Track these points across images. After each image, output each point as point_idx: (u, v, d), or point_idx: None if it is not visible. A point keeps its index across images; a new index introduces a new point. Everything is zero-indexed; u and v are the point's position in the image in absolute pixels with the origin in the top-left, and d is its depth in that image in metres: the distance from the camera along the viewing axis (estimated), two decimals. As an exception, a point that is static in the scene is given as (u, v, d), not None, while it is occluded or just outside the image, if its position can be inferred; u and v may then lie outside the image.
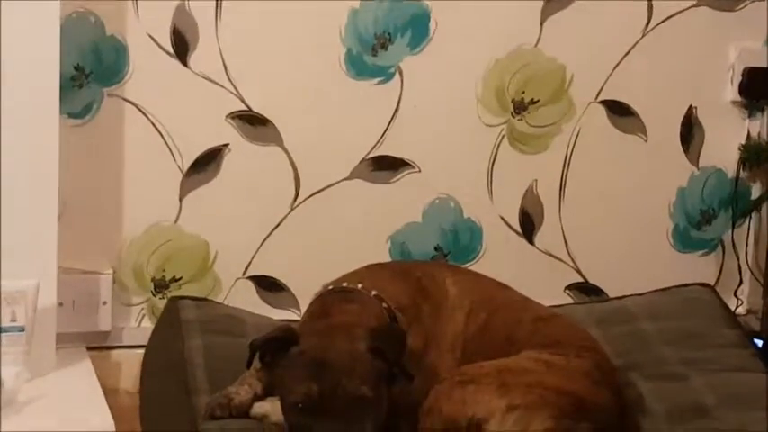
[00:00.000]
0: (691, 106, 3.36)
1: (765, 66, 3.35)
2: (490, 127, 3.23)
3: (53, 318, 2.78)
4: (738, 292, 3.45)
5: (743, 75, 3.33)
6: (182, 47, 3.00)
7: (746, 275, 3.46)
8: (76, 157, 2.91)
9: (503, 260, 3.25)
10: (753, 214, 3.43)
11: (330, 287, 2.67)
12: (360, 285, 2.63)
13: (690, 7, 3.29)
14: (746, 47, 3.34)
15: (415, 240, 3.23)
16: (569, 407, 2.39)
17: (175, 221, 3.08)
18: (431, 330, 2.65)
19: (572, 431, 2.37)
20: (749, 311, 3.44)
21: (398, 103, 3.15)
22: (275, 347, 2.47)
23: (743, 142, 3.37)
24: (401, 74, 3.15)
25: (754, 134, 3.38)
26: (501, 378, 2.43)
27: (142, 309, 3.11)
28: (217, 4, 3.01)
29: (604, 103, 3.29)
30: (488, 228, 3.28)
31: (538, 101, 3.25)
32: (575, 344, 2.61)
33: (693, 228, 3.42)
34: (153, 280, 3.10)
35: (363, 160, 3.17)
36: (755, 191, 3.43)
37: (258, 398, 2.57)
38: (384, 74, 3.14)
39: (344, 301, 2.58)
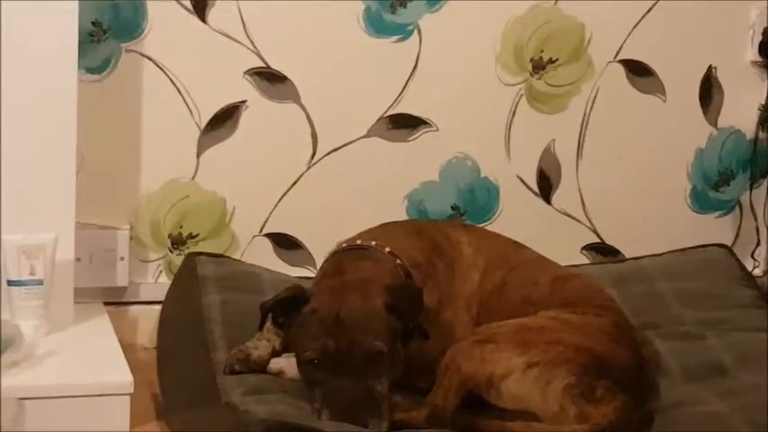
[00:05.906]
0: (710, 66, 3.34)
1: (786, 26, 3.34)
2: (508, 86, 3.22)
3: (71, 272, 2.79)
4: (756, 254, 3.45)
5: (763, 34, 3.31)
6: (200, 2, 2.99)
7: (764, 237, 3.45)
8: (94, 113, 2.90)
9: (520, 220, 3.25)
10: (771, 176, 3.43)
11: (344, 245, 2.67)
12: (374, 243, 2.63)
13: (710, -34, 3.28)
14: (767, 6, 3.32)
15: (431, 199, 3.23)
16: (589, 364, 2.39)
17: (193, 178, 3.08)
18: (445, 288, 2.64)
19: (592, 388, 2.37)
20: (766, 272, 3.44)
21: (417, 61, 3.14)
22: (286, 308, 2.47)
23: (762, 102, 3.36)
24: (420, 32, 3.13)
25: (773, 95, 3.37)
26: (520, 336, 2.43)
27: (159, 265, 3.11)
28: (235, -41, 3.01)
29: (623, 62, 3.27)
30: (505, 187, 3.27)
31: (556, 60, 3.23)
32: (593, 303, 2.61)
33: (711, 189, 3.41)
34: (170, 236, 3.10)
35: (381, 118, 3.16)
36: (774, 152, 3.42)
37: (276, 353, 2.58)
38: (403, 31, 3.13)
39: (358, 259, 2.58)
